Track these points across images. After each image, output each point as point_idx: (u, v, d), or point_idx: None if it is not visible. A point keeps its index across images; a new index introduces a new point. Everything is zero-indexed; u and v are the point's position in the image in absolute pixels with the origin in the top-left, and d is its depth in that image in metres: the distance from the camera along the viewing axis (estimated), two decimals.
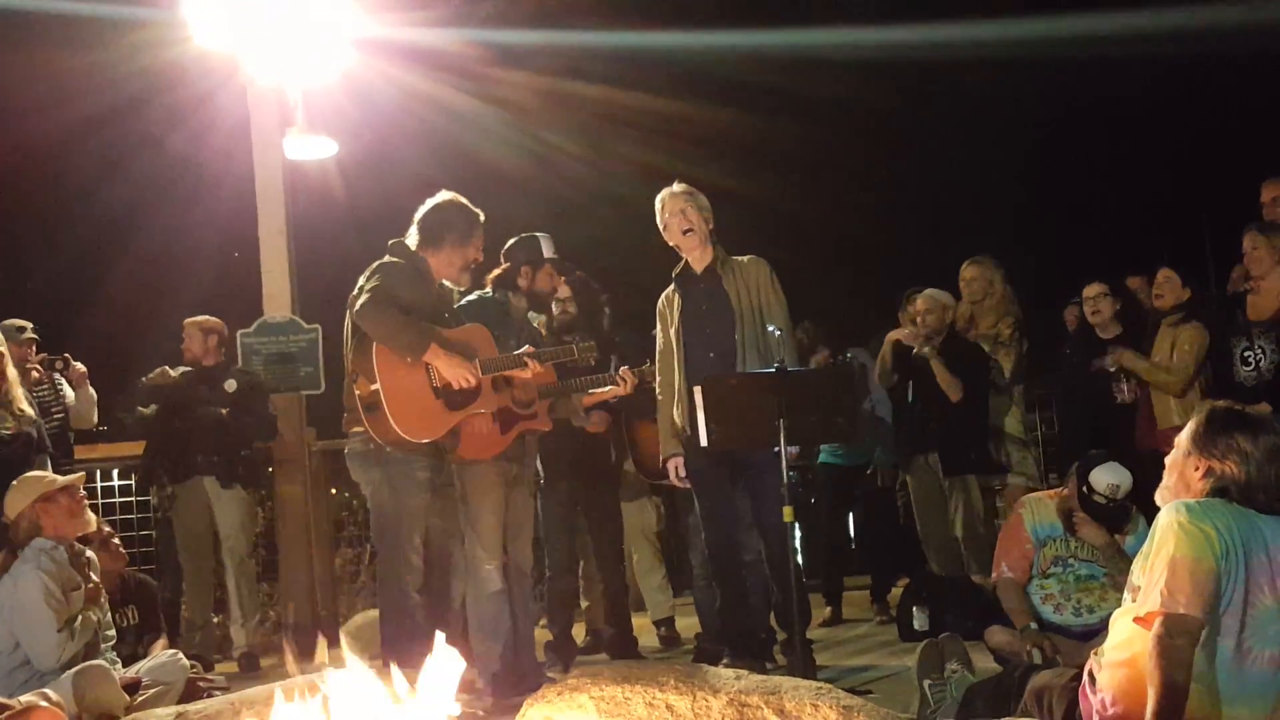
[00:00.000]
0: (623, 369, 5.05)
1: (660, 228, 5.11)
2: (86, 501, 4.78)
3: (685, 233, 5.03)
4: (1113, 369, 6.05)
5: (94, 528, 4.85)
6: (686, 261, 5.13)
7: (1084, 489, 4.58)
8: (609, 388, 5.12)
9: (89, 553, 4.76)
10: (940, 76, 12.13)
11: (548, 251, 5.18)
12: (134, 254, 12.93)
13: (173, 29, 6.57)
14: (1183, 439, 2.99)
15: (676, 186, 5.10)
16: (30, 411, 5.70)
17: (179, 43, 6.62)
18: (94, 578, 4.69)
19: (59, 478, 4.73)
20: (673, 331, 5.10)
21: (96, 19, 7.60)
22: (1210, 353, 5.75)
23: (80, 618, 4.49)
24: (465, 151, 10.47)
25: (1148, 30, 9.06)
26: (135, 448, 6.96)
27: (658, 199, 5.10)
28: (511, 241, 5.22)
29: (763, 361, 4.89)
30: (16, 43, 9.37)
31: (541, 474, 5.67)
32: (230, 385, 6.50)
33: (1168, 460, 3.06)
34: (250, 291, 7.10)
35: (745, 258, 5.14)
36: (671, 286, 5.17)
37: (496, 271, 5.15)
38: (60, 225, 13.12)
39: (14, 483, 4.68)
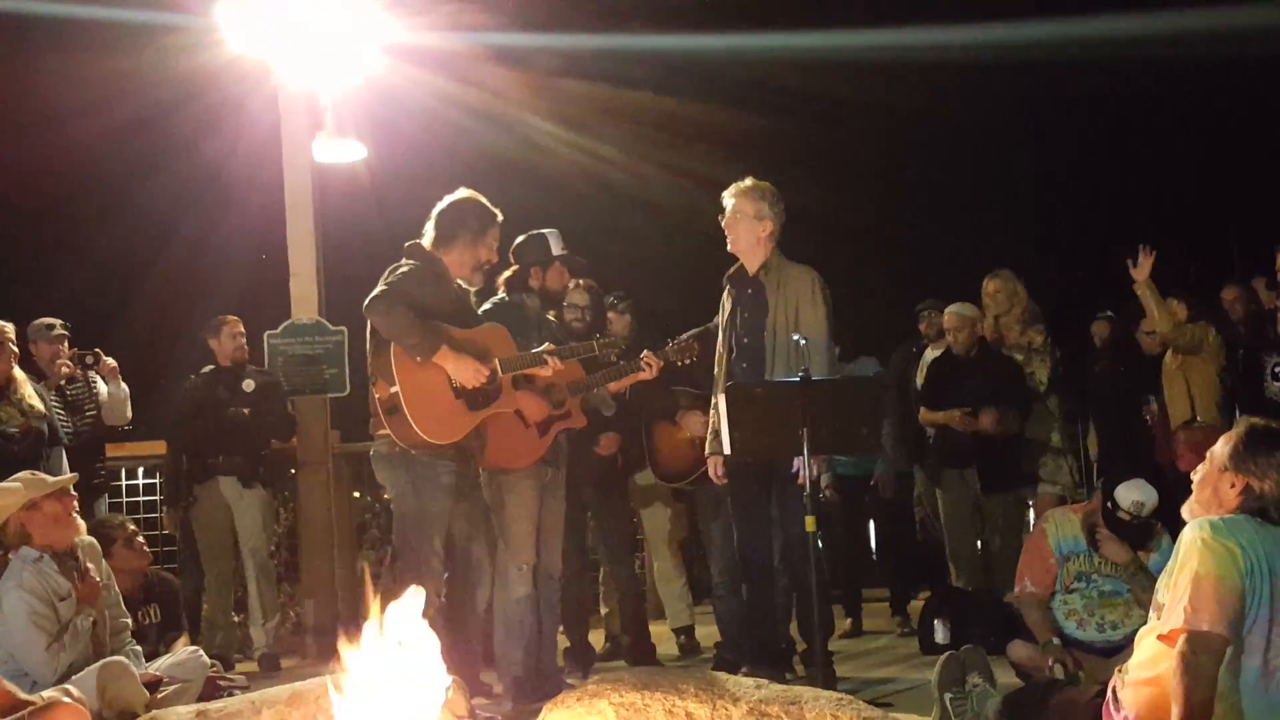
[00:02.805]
0: (645, 353, 5.00)
1: None
2: (76, 505, 4.60)
3: (729, 240, 5.05)
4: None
5: (84, 533, 4.68)
6: (741, 262, 5.12)
7: (1108, 504, 4.55)
8: (636, 373, 5.06)
9: (88, 539, 4.63)
10: (966, 82, 12.07)
11: (556, 249, 5.12)
12: (167, 256, 13.05)
13: (206, 34, 6.63)
14: (1218, 454, 2.95)
15: (745, 183, 5.04)
16: (39, 406, 5.72)
17: (212, 48, 6.69)
18: (91, 572, 4.53)
19: (48, 479, 4.57)
20: (720, 332, 5.12)
21: (131, 25, 7.68)
22: (1235, 364, 5.81)
23: (73, 625, 4.40)
24: (495, 155, 10.51)
25: (1179, 33, 8.99)
26: (161, 446, 7.02)
27: (724, 195, 5.08)
28: (519, 241, 5.17)
29: (791, 373, 4.87)
30: (53, 49, 9.50)
31: None
32: (249, 385, 6.55)
33: (1197, 475, 3.02)
34: (278, 294, 7.15)
35: (797, 267, 5.08)
36: (727, 281, 5.17)
37: (507, 274, 5.13)
38: (95, 228, 13.26)
39: (3, 485, 4.53)
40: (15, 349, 5.76)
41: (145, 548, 5.54)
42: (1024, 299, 6.55)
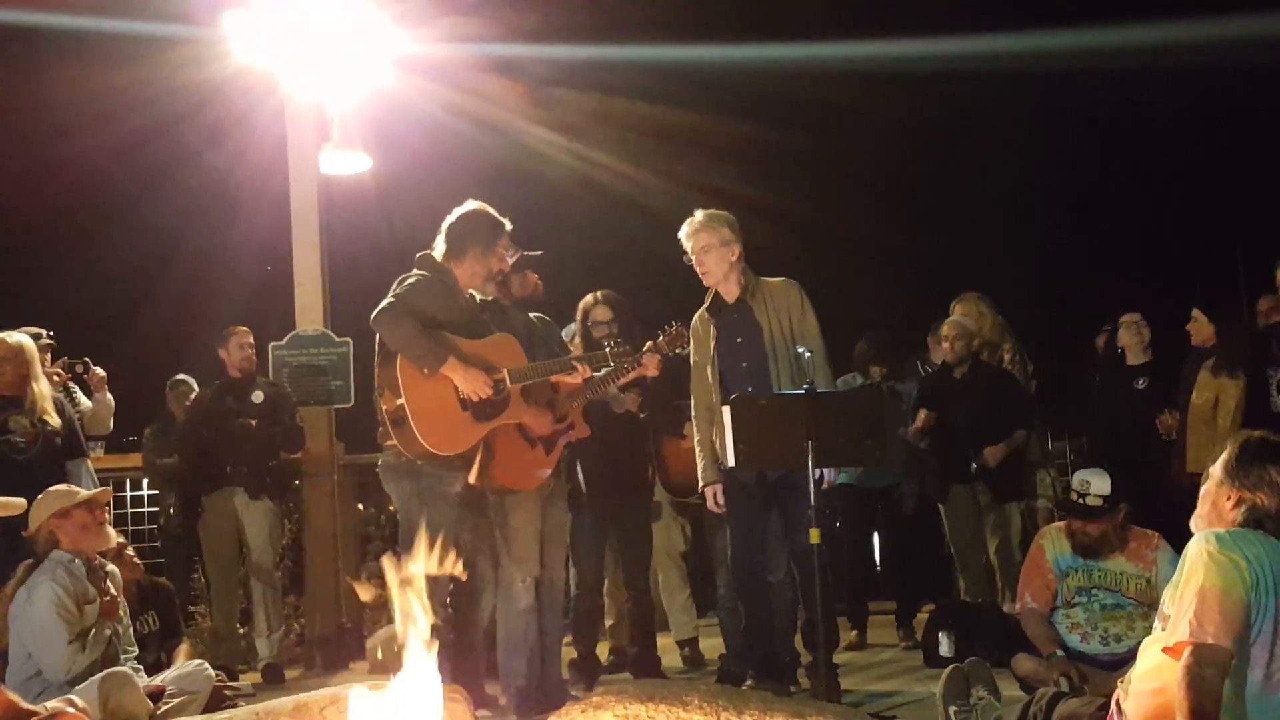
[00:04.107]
0: (646, 346, 4.97)
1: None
2: (108, 517, 4.81)
3: (702, 275, 5.04)
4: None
5: (113, 544, 4.88)
6: (718, 291, 5.12)
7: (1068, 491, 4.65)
8: (638, 369, 5.01)
9: (109, 566, 4.81)
10: (969, 93, 12.09)
11: (507, 259, 4.98)
12: (173, 267, 13.10)
13: (213, 46, 6.67)
14: (1216, 468, 2.97)
15: (698, 218, 5.03)
16: (54, 419, 5.77)
17: (219, 59, 6.72)
18: (113, 591, 4.72)
19: (81, 492, 4.75)
20: (709, 362, 5.09)
21: (138, 36, 7.72)
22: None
23: (94, 630, 4.53)
24: (500, 166, 10.55)
25: (1184, 45, 8.99)
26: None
27: (680, 234, 5.08)
28: None
29: (796, 386, 4.86)
30: (61, 60, 9.54)
31: (584, 489, 5.68)
32: (258, 396, 6.56)
33: (1201, 489, 3.03)
34: (283, 304, 7.17)
35: (776, 281, 5.11)
36: (705, 313, 5.15)
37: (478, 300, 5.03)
38: (102, 239, 13.30)
39: (41, 495, 4.72)
40: (30, 362, 5.79)
41: (136, 560, 5.54)
42: (990, 318, 6.62)
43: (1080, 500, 4.56)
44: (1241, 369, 5.79)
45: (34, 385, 5.73)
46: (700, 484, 5.14)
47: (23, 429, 5.57)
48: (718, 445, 5.02)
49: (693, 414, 5.17)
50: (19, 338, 5.79)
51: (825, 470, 4.75)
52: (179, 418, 7.05)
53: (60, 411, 5.84)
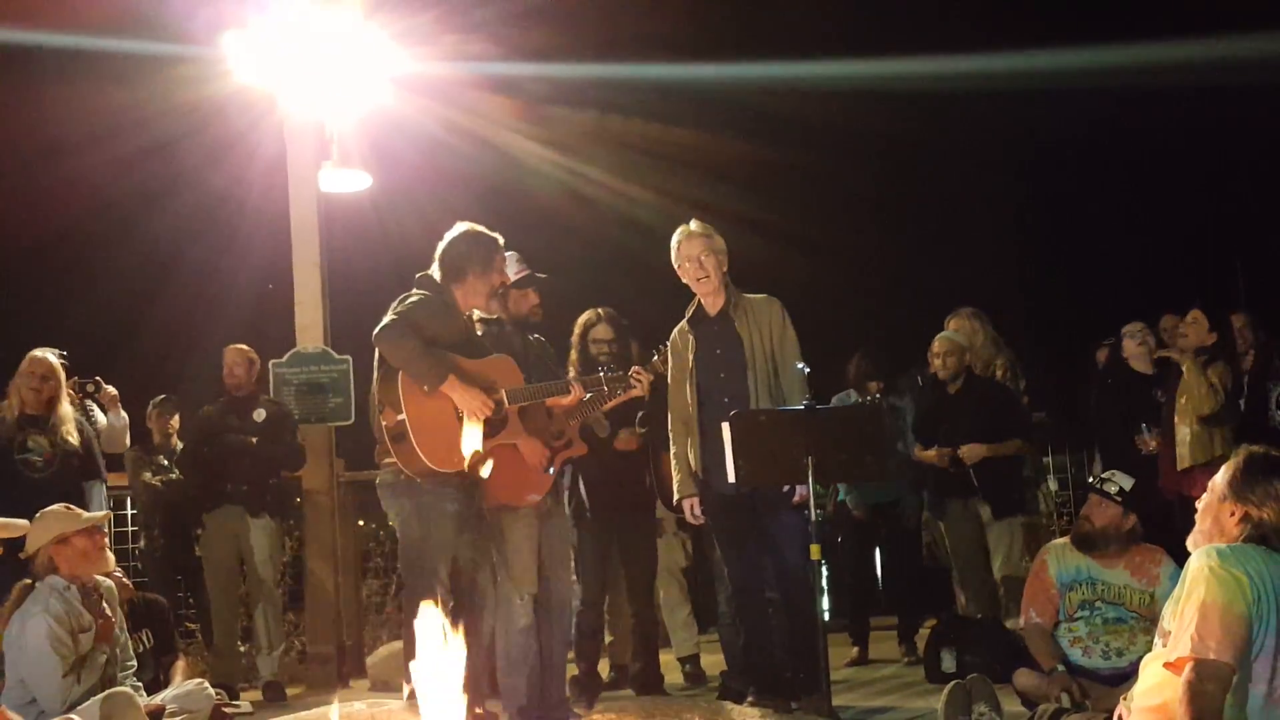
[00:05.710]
0: (633, 369, 4.97)
1: (675, 266, 5.12)
2: (105, 539, 4.77)
3: (699, 280, 5.05)
4: (1154, 446, 6.08)
5: (112, 567, 4.84)
6: (700, 303, 5.14)
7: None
8: (628, 391, 5.02)
9: (108, 582, 4.77)
10: (968, 109, 12.12)
11: (513, 272, 5.04)
12: (173, 285, 13.10)
13: (212, 65, 6.70)
14: (1218, 483, 2.95)
15: (694, 226, 5.07)
16: (73, 440, 5.78)
17: (218, 78, 6.75)
18: (108, 611, 4.68)
19: (82, 514, 4.70)
20: (686, 376, 5.10)
21: (138, 56, 7.76)
22: (1237, 396, 5.76)
23: (89, 659, 4.49)
24: (499, 184, 10.58)
25: (1186, 62, 9.03)
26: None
27: (674, 238, 5.10)
28: None
29: (774, 404, 4.88)
30: (61, 80, 9.58)
31: (587, 505, 5.67)
32: (259, 415, 6.57)
33: (1200, 504, 3.02)
34: (284, 322, 7.18)
35: (758, 297, 5.13)
36: (685, 325, 5.16)
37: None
38: (102, 258, 13.31)
39: (37, 515, 4.66)
40: (56, 382, 5.81)
41: (125, 580, 5.52)
42: (984, 333, 6.63)
43: (1100, 483, 4.62)
44: (1225, 362, 5.80)
45: (60, 405, 5.75)
46: (676, 496, 5.15)
47: (41, 448, 5.58)
48: (692, 460, 5.04)
49: (669, 426, 5.17)
50: (52, 357, 5.82)
51: (798, 486, 4.76)
52: (158, 438, 7.06)
53: (80, 433, 5.85)
